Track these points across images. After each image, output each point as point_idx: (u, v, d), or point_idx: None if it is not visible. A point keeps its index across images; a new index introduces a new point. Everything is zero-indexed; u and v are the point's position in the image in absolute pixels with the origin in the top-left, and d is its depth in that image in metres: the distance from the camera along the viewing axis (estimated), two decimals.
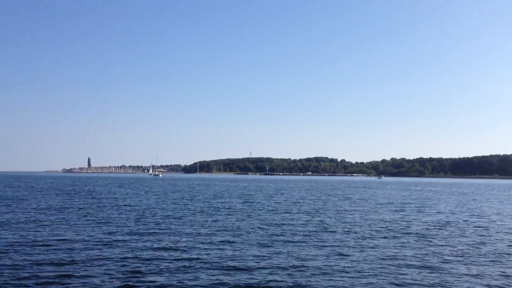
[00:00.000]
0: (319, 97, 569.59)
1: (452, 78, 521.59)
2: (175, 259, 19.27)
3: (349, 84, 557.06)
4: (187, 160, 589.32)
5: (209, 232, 27.09)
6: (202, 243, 23.24)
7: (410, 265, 18.67)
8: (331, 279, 16.26)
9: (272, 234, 26.39)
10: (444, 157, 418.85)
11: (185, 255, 20.04)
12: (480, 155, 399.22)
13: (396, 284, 15.78)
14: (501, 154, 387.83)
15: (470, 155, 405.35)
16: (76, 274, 16.67)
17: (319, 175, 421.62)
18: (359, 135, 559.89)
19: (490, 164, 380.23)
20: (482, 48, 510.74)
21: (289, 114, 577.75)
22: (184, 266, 18.00)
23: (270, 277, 16.45)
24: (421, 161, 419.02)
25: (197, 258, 19.43)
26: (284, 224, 31.39)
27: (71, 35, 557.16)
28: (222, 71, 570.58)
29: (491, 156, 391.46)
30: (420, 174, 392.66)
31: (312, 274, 17.01)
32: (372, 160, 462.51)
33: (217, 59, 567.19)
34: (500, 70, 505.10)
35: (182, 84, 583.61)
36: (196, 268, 17.71)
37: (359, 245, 23.19)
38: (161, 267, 17.83)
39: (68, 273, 16.80)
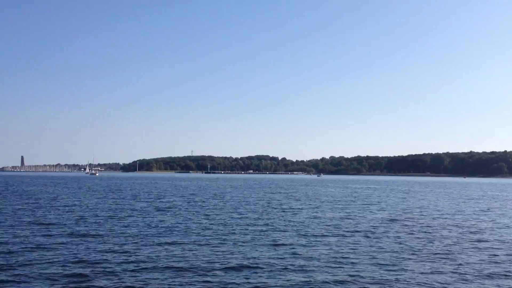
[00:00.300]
0: (259, 96, 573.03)
1: (388, 79, 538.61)
2: (122, 262, 18.25)
3: (287, 84, 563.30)
4: (126, 159, 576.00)
5: (156, 233, 26.07)
6: (150, 245, 22.24)
7: (364, 262, 18.59)
8: (289, 279, 15.84)
9: (221, 234, 25.73)
10: (381, 155, 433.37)
11: (132, 258, 19.05)
12: (414, 153, 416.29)
13: (352, 282, 15.60)
14: (433, 153, 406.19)
15: (405, 154, 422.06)
16: (15, 279, 15.38)
17: (260, 173, 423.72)
18: (299, 134, 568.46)
19: (423, 162, 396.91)
20: (413, 48, 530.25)
21: (231, 112, 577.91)
22: (133, 270, 17.04)
23: (226, 279, 15.83)
24: (358, 159, 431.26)
25: (146, 261, 18.50)
26: (232, 223, 30.82)
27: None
28: (160, 67, 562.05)
29: (424, 154, 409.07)
30: (358, 171, 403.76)
31: (268, 274, 16.53)
32: (312, 159, 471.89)
33: (153, 54, 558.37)
34: (432, 71, 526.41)
35: (120, 80, 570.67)
36: (146, 271, 16.81)
37: (311, 243, 22.97)
38: (107, 271, 16.80)
39: (6, 278, 15.48)
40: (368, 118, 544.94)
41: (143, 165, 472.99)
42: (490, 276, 16.70)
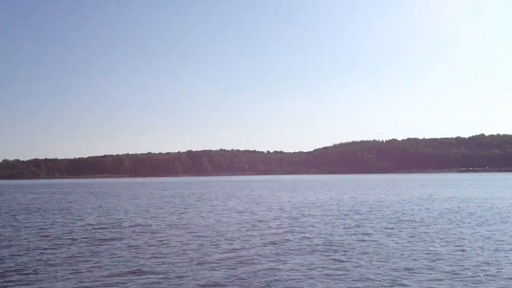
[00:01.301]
0: None
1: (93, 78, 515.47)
2: None
3: None
4: None
5: None
6: None
7: (94, 272, 16.65)
8: None
9: None
10: (60, 158, 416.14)
11: None
12: (94, 155, 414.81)
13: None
14: (114, 154, 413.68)
15: (85, 156, 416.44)
16: None
17: None
18: None
19: (104, 164, 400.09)
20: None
21: None
22: None
23: None
24: (36, 162, 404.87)
25: None
26: None
27: None
28: None
29: (105, 156, 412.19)
30: (36, 175, 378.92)
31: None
32: None
33: None
34: (132, 78, 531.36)
35: None
36: None
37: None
38: None
39: None
40: (38, 119, 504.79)
41: None
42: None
